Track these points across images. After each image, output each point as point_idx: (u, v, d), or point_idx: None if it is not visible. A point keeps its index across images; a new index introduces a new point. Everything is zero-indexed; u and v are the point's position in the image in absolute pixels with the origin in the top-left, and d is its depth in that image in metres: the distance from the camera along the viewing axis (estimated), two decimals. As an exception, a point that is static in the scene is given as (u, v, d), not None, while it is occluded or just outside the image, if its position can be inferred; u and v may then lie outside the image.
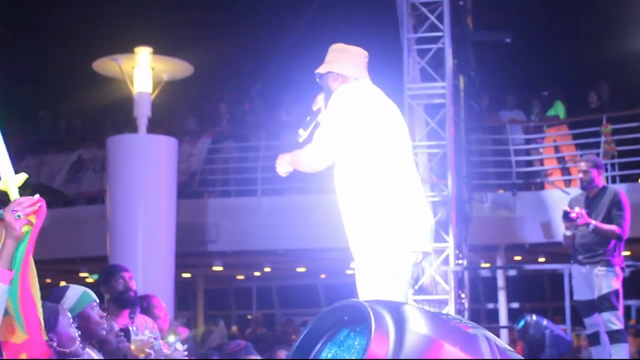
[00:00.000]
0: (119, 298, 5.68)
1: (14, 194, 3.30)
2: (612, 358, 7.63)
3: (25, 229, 3.21)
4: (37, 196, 3.26)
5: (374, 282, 4.14)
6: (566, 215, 7.79)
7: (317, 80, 4.62)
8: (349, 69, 4.50)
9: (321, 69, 4.58)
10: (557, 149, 13.68)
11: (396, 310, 2.41)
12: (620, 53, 15.04)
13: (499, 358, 2.45)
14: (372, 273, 4.15)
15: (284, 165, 4.55)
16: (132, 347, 4.93)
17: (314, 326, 2.57)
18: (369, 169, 4.22)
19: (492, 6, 13.00)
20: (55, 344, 3.87)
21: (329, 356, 2.51)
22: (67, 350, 3.93)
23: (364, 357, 2.28)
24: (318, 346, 2.56)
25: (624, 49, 14.94)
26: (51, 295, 4.46)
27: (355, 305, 2.45)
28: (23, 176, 3.35)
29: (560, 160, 13.54)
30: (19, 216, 3.18)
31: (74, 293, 4.55)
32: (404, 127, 4.48)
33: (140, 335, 5.27)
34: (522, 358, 2.58)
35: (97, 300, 4.64)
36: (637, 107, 13.38)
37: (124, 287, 5.70)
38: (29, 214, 3.21)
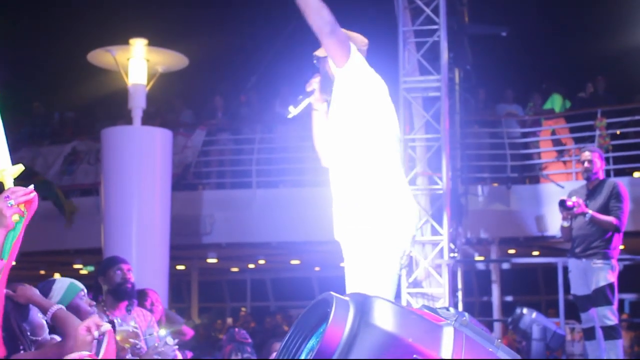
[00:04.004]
0: (116, 290, 5.67)
1: (9, 184, 3.30)
2: (607, 355, 7.63)
3: (16, 217, 3.21)
4: (31, 187, 3.27)
5: (366, 273, 4.13)
6: (563, 204, 7.72)
7: (315, 62, 4.51)
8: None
9: (320, 52, 4.46)
10: (552, 143, 13.69)
11: (362, 303, 2.42)
12: (616, 48, 15.06)
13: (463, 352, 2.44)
14: (366, 262, 4.14)
15: None
16: (117, 337, 4.94)
17: (302, 319, 2.58)
18: (373, 155, 4.19)
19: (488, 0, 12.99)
20: (29, 332, 3.91)
21: (311, 347, 2.52)
22: (39, 338, 3.97)
23: (320, 346, 2.29)
24: (307, 339, 2.57)
25: (620, 43, 14.96)
26: (38, 289, 4.47)
27: (326, 297, 2.46)
28: (19, 167, 3.35)
29: (556, 153, 13.54)
30: (11, 204, 3.18)
31: (61, 286, 4.57)
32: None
33: (125, 326, 5.27)
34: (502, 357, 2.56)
35: (85, 290, 4.65)
36: (632, 102, 13.42)
37: (121, 279, 5.69)
38: (21, 202, 3.21)
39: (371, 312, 2.36)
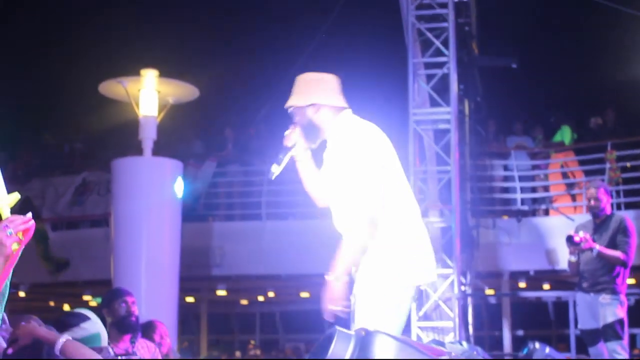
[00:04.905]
0: (121, 323, 5.64)
1: (5, 213, 3.30)
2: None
3: (15, 246, 3.20)
4: (29, 215, 3.26)
5: (373, 312, 4.09)
6: (570, 239, 7.72)
7: (289, 112, 4.39)
8: (331, 99, 4.27)
9: (300, 101, 4.32)
10: (562, 175, 13.66)
11: (363, 338, 2.46)
12: (626, 80, 15.05)
13: None
14: (373, 303, 4.10)
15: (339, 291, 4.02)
16: None
17: (313, 355, 2.60)
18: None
19: (498, 32, 13.03)
20: None
21: None
22: None
23: None
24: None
25: (630, 75, 14.95)
26: (67, 316, 4.40)
27: (332, 332, 2.50)
28: (15, 196, 3.34)
29: (566, 186, 13.52)
30: (10, 233, 3.17)
31: (88, 328, 4.46)
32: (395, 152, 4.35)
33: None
34: None
35: (104, 347, 4.55)
36: (642, 134, 13.38)
37: (126, 311, 5.66)
38: (19, 231, 3.20)
39: (370, 347, 2.41)
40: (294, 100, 4.34)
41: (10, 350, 3.78)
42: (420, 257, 4.15)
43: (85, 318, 4.50)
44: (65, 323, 4.36)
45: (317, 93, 4.28)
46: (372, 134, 4.23)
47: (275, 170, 4.34)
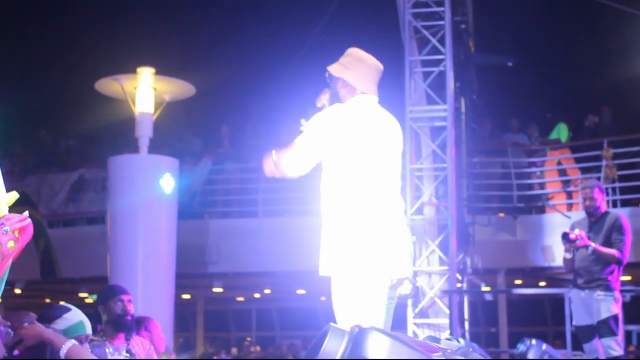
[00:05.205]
0: (116, 321, 5.63)
1: (3, 212, 3.29)
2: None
3: (11, 244, 3.19)
4: (26, 213, 3.25)
5: (349, 303, 4.13)
6: (565, 236, 7.75)
7: (326, 76, 4.53)
8: (361, 82, 4.41)
9: (334, 70, 4.48)
10: (558, 173, 13.67)
11: (357, 335, 2.47)
12: (623, 78, 15.07)
13: None
14: (347, 293, 4.15)
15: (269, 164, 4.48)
16: None
17: (311, 351, 2.61)
18: (352, 191, 4.19)
19: (494, 30, 13.04)
20: None
21: None
22: None
23: None
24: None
25: (627, 73, 14.97)
26: (49, 310, 4.41)
27: (327, 329, 2.51)
28: (14, 195, 3.34)
29: (562, 183, 13.52)
30: (6, 230, 3.16)
31: (71, 318, 4.48)
32: (398, 149, 4.43)
33: (117, 355, 5.24)
34: None
35: (90, 335, 4.57)
36: (638, 132, 13.39)
37: (122, 310, 5.65)
38: (16, 229, 3.20)
39: (363, 344, 2.42)
40: (332, 68, 4.51)
41: (16, 352, 3.78)
42: (395, 251, 4.19)
43: (67, 309, 4.52)
44: (48, 316, 4.36)
45: (351, 71, 4.44)
46: (358, 116, 4.32)
47: (304, 123, 4.44)
